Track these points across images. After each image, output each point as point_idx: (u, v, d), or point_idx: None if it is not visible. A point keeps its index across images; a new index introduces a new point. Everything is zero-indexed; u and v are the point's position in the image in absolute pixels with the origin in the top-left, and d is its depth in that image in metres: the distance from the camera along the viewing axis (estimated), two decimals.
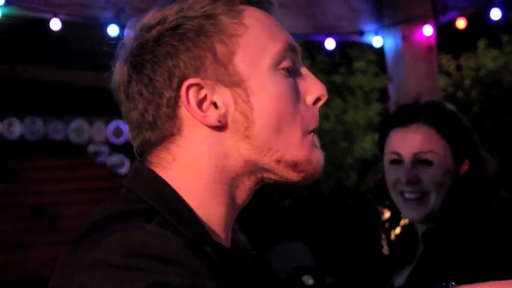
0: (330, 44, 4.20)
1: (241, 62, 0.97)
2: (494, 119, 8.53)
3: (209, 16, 0.97)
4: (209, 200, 0.98)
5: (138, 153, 1.03)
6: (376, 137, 1.90)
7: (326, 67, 8.97)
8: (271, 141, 0.97)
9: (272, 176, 1.00)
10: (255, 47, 0.98)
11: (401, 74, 4.07)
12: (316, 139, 1.02)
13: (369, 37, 4.23)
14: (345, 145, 8.86)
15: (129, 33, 1.02)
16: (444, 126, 1.76)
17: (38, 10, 3.59)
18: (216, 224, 0.99)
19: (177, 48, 0.97)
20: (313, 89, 1.02)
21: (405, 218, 1.86)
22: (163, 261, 0.82)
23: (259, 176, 1.00)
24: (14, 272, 7.35)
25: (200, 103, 0.96)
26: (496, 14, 4.01)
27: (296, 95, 0.99)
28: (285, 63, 0.99)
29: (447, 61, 9.01)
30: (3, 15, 3.47)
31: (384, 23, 4.16)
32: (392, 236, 1.91)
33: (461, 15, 4.15)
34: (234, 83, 0.97)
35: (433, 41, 4.06)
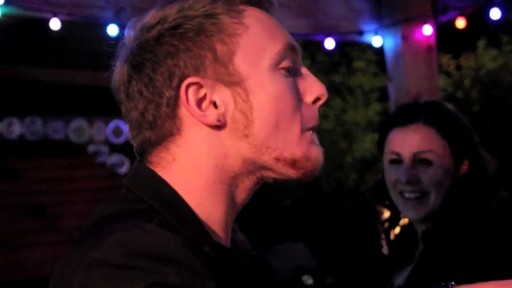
0: (329, 43, 4.20)
1: (241, 62, 0.97)
2: (494, 119, 8.53)
3: (209, 16, 0.97)
4: (209, 200, 0.98)
5: (138, 153, 1.03)
6: (375, 136, 1.90)
7: (326, 67, 8.97)
8: (270, 140, 0.97)
9: (271, 175, 1.00)
10: (255, 46, 0.98)
11: (401, 73, 4.08)
12: (315, 136, 1.02)
13: (368, 37, 4.23)
14: (345, 145, 8.87)
15: (129, 33, 1.02)
16: (444, 126, 1.76)
17: (37, 10, 3.59)
18: (216, 224, 0.99)
19: (177, 47, 0.97)
20: (313, 88, 1.02)
21: (405, 217, 1.86)
22: (163, 261, 0.82)
23: (258, 175, 1.00)
24: (14, 272, 7.35)
25: (199, 102, 0.97)
26: (495, 13, 4.01)
27: (296, 95, 1.00)
28: (285, 63, 0.99)
29: (447, 61, 9.02)
30: (2, 15, 3.47)
31: (384, 22, 4.16)
32: (392, 236, 1.91)
33: (461, 15, 4.16)
34: (234, 82, 0.97)
35: (432, 40, 4.06)
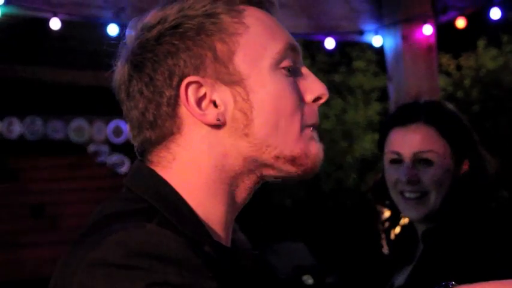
0: (329, 43, 4.20)
1: (241, 61, 0.97)
2: (494, 118, 8.54)
3: (210, 15, 0.97)
4: (209, 199, 0.98)
5: (139, 152, 1.03)
6: (376, 136, 1.90)
7: (326, 67, 8.98)
8: (270, 138, 0.97)
9: (272, 173, 1.00)
10: (256, 46, 0.98)
11: (401, 73, 4.07)
12: (315, 134, 1.02)
13: (368, 37, 4.23)
14: (345, 145, 8.87)
15: (130, 32, 1.02)
16: (444, 126, 1.76)
17: (37, 9, 3.59)
18: (216, 223, 0.99)
19: (178, 47, 0.97)
20: (313, 88, 1.02)
21: (405, 217, 1.86)
22: (163, 261, 0.82)
23: (259, 174, 1.00)
24: (14, 272, 7.35)
25: (199, 101, 0.97)
26: (495, 13, 4.01)
27: (296, 94, 1.00)
28: (286, 63, 0.99)
29: (447, 61, 9.02)
30: (3, 15, 3.47)
31: (384, 22, 4.15)
32: (392, 236, 1.91)
33: (461, 14, 4.15)
34: (234, 81, 0.97)
35: (433, 40, 4.06)
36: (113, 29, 3.66)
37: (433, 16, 4.04)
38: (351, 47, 8.84)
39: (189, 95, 0.96)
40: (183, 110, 0.97)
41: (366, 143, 8.68)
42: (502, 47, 8.98)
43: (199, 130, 0.98)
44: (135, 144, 1.02)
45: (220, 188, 0.99)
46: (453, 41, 6.46)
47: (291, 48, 1.01)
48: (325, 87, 1.02)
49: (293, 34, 1.04)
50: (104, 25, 3.66)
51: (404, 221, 1.88)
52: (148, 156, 1.01)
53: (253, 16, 1.00)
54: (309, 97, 1.01)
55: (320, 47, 4.83)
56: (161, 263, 0.82)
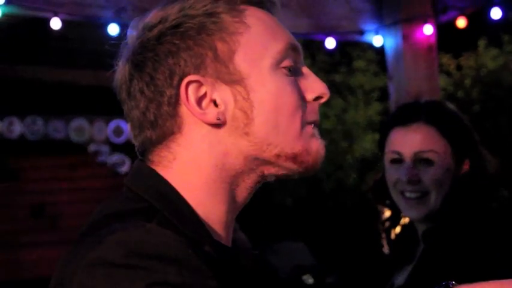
0: (330, 43, 4.19)
1: (241, 61, 0.97)
2: (495, 118, 8.53)
3: (210, 14, 0.98)
4: (209, 199, 0.98)
5: (140, 152, 1.03)
6: (376, 136, 1.90)
7: (326, 66, 8.97)
8: (270, 137, 0.98)
9: (273, 171, 1.00)
10: (256, 45, 0.98)
11: (402, 73, 4.07)
12: (315, 131, 1.02)
13: (369, 36, 4.23)
14: (345, 144, 8.87)
15: (131, 32, 1.02)
16: (445, 126, 1.76)
17: (38, 9, 3.59)
18: (216, 223, 0.99)
19: (178, 46, 0.97)
20: (314, 87, 1.02)
21: (405, 217, 1.86)
22: (163, 260, 0.82)
23: (259, 172, 1.00)
24: (14, 272, 7.35)
25: (200, 100, 0.97)
26: (496, 13, 4.01)
27: (297, 93, 1.00)
28: (286, 62, 0.99)
29: (447, 60, 9.02)
30: (3, 15, 3.47)
31: (384, 22, 4.15)
32: (393, 236, 1.91)
33: (462, 14, 4.15)
34: (234, 81, 0.97)
35: (433, 40, 4.05)
36: (113, 29, 3.66)
37: (433, 16, 4.04)
38: (352, 47, 8.84)
39: (189, 94, 0.96)
40: (183, 110, 0.97)
41: (366, 143, 8.67)
42: (503, 47, 8.97)
43: (200, 129, 0.98)
44: (136, 143, 1.03)
45: (220, 187, 0.99)
46: (453, 41, 6.46)
47: (291, 48, 1.01)
48: (326, 86, 1.02)
49: (293, 34, 1.04)
50: (105, 25, 3.66)
51: (405, 220, 1.88)
52: (149, 155, 1.01)
53: (254, 16, 1.00)
54: (309, 96, 1.01)
55: (320, 46, 4.83)
56: (161, 263, 0.82)
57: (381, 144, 1.86)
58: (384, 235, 1.93)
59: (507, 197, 1.81)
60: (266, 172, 1.00)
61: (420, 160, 1.75)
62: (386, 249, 1.93)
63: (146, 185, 0.97)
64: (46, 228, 8.20)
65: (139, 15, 1.03)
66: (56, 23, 3.58)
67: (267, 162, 0.99)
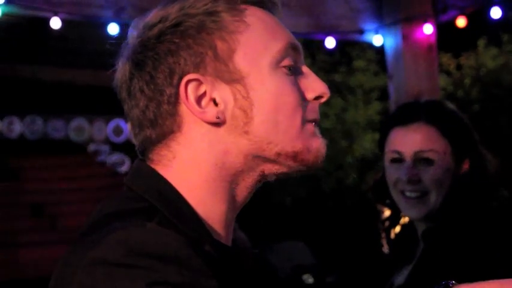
0: (330, 42, 4.19)
1: (241, 59, 0.97)
2: (494, 118, 8.54)
3: (210, 13, 0.98)
4: (209, 198, 0.98)
5: (140, 151, 1.03)
6: (376, 136, 1.90)
7: (326, 66, 8.98)
8: (270, 136, 0.98)
9: (273, 169, 1.00)
10: (256, 44, 0.98)
11: (402, 72, 4.07)
12: (316, 129, 1.02)
13: (369, 36, 4.23)
14: (345, 144, 8.88)
15: (132, 32, 1.02)
16: (445, 125, 1.76)
17: (38, 9, 3.59)
18: (216, 222, 0.99)
19: (178, 45, 0.97)
20: (314, 87, 1.02)
21: (405, 216, 1.86)
22: (163, 260, 0.82)
23: (260, 171, 1.00)
24: (13, 271, 7.35)
25: (199, 99, 0.97)
26: (496, 12, 4.01)
27: (297, 92, 1.00)
28: (286, 62, 0.99)
29: (447, 60, 9.02)
30: (3, 14, 3.47)
31: (384, 21, 4.15)
32: (392, 235, 1.91)
33: (462, 14, 4.15)
34: (234, 79, 0.97)
35: (433, 39, 4.05)
36: (113, 28, 3.66)
37: (433, 15, 4.04)
38: (351, 47, 8.85)
39: (188, 92, 0.96)
40: (183, 108, 0.97)
41: (366, 143, 8.68)
42: (503, 46, 8.98)
43: (200, 128, 0.98)
44: (136, 143, 1.03)
45: (220, 186, 0.99)
46: (453, 40, 6.46)
47: (291, 47, 1.01)
48: (326, 86, 1.02)
49: (293, 33, 1.04)
50: (105, 24, 3.66)
51: (405, 220, 1.88)
52: (149, 154, 1.01)
53: (254, 15, 1.00)
54: (310, 95, 1.01)
55: (320, 46, 4.84)
56: (161, 262, 0.82)
57: (381, 143, 1.86)
58: (383, 235, 1.93)
59: (507, 197, 1.81)
60: (266, 171, 1.00)
61: (420, 160, 1.75)
62: (386, 249, 1.93)
63: (146, 185, 0.97)
64: (46, 227, 8.20)
65: (139, 14, 1.03)
66: (55, 23, 3.58)
67: (267, 160, 0.99)
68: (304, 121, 1.00)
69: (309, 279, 6.71)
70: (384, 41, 4.18)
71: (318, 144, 1.01)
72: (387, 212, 1.91)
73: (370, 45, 4.68)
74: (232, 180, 0.99)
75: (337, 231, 8.31)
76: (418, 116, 1.77)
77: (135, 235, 0.85)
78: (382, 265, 1.91)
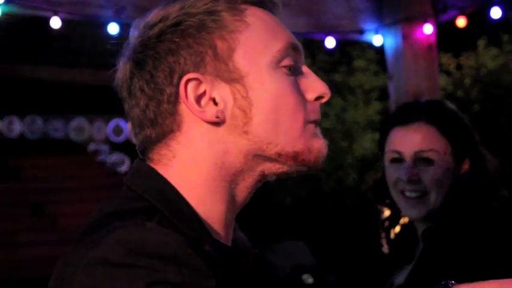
0: (330, 42, 4.19)
1: (241, 59, 0.97)
2: (494, 118, 8.54)
3: (211, 12, 0.98)
4: (209, 197, 0.98)
5: (140, 150, 1.03)
6: (376, 136, 1.90)
7: (326, 66, 8.98)
8: (271, 136, 0.98)
9: (273, 169, 1.00)
10: (256, 44, 0.98)
11: (402, 72, 4.07)
12: (317, 129, 1.02)
13: (369, 36, 4.22)
14: (345, 144, 8.87)
15: (134, 32, 1.03)
16: (445, 125, 1.77)
17: (38, 8, 3.59)
18: (216, 222, 0.99)
19: (178, 44, 0.97)
20: (315, 87, 1.02)
21: (405, 216, 1.86)
22: (163, 260, 0.82)
23: (260, 171, 1.00)
24: (13, 271, 7.35)
25: (199, 98, 0.97)
26: (496, 12, 4.00)
27: (297, 92, 1.00)
28: (286, 61, 0.99)
29: (447, 60, 9.02)
30: (3, 14, 3.47)
31: (384, 21, 4.15)
32: (392, 235, 1.91)
33: (462, 14, 4.15)
34: (234, 79, 0.97)
35: (433, 39, 4.05)
36: (113, 28, 3.66)
37: (433, 15, 4.04)
38: (351, 46, 8.85)
39: (188, 92, 0.96)
40: (183, 108, 0.97)
41: (366, 142, 8.68)
42: (503, 46, 8.98)
43: (199, 128, 0.98)
44: (137, 142, 1.03)
45: (220, 185, 0.99)
46: (453, 40, 6.46)
47: (292, 47, 1.01)
48: (326, 86, 1.02)
49: (293, 33, 1.04)
50: (105, 24, 3.66)
51: (404, 220, 1.88)
52: (149, 154, 1.01)
53: (254, 15, 1.00)
54: (310, 96, 1.01)
55: (320, 46, 4.83)
56: (161, 262, 0.82)
57: (381, 143, 1.86)
58: (383, 234, 1.93)
59: (507, 197, 1.81)
60: (266, 171, 1.00)
61: (420, 159, 1.75)
62: (386, 249, 1.93)
63: (146, 184, 0.97)
64: (46, 227, 8.20)
65: (138, 14, 1.03)
66: (55, 22, 3.58)
67: (267, 160, 0.99)
68: (306, 122, 1.00)
69: (308, 279, 6.71)
70: (384, 41, 4.18)
71: (319, 145, 1.01)
72: (387, 212, 1.91)
73: (370, 45, 4.68)
74: (232, 180, 0.99)
75: (337, 231, 8.31)
76: (418, 115, 1.77)
77: (135, 235, 0.85)
78: (382, 265, 1.91)
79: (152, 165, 1.00)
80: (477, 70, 9.00)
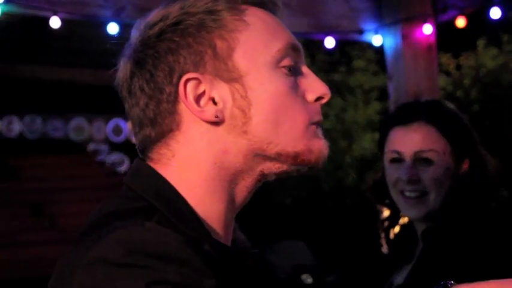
0: (329, 42, 4.19)
1: (240, 58, 0.97)
2: (494, 118, 8.54)
3: (211, 12, 0.98)
4: (208, 197, 0.98)
5: (140, 150, 1.03)
6: (375, 136, 1.90)
7: (326, 66, 8.98)
8: (271, 136, 0.98)
9: (273, 169, 1.00)
10: (256, 43, 0.98)
11: (401, 72, 4.07)
12: (319, 130, 1.02)
13: (368, 36, 4.23)
14: (345, 144, 8.88)
15: (135, 32, 1.03)
16: (445, 125, 1.77)
17: (37, 8, 3.59)
18: (215, 222, 0.99)
19: (178, 43, 0.97)
20: (315, 87, 1.02)
21: (405, 216, 1.86)
22: (163, 259, 0.82)
23: (259, 171, 1.00)
24: (13, 271, 7.35)
25: (198, 98, 0.97)
26: (495, 13, 4.01)
27: (297, 93, 1.00)
28: (286, 62, 0.99)
29: (447, 60, 9.02)
30: (2, 14, 3.47)
31: (384, 21, 4.15)
32: (392, 235, 1.91)
33: (461, 14, 4.15)
34: (233, 78, 0.97)
35: (433, 39, 4.05)
36: (113, 28, 3.66)
37: (433, 15, 4.04)
38: (351, 46, 8.85)
39: (187, 91, 0.96)
40: (182, 107, 0.98)
41: (366, 142, 8.68)
42: (502, 46, 8.98)
43: (199, 127, 0.98)
44: (136, 142, 1.03)
45: (219, 185, 0.99)
46: (453, 41, 6.46)
47: (292, 47, 1.01)
48: (326, 87, 1.02)
49: (293, 33, 1.04)
50: (104, 24, 3.66)
51: (404, 220, 1.88)
52: (149, 153, 1.01)
53: (254, 15, 1.00)
54: (310, 96, 1.01)
55: (320, 46, 4.83)
56: (161, 262, 0.82)
57: (381, 143, 1.86)
58: (383, 234, 1.93)
59: (507, 197, 1.81)
60: (266, 171, 1.00)
61: (420, 159, 1.75)
62: (385, 249, 1.93)
63: (145, 184, 0.97)
64: (45, 227, 8.20)
65: (138, 14, 1.04)
66: (55, 22, 3.58)
67: (267, 160, 0.99)
68: (308, 123, 0.99)
69: (308, 278, 6.71)
70: (383, 41, 4.18)
71: (320, 146, 1.01)
72: (386, 212, 1.92)
73: (370, 45, 4.68)
74: (232, 179, 0.99)
75: (337, 231, 8.32)
76: (418, 115, 1.77)
77: (135, 234, 0.85)
78: (382, 265, 1.91)
79: (152, 164, 1.00)
80: (477, 70, 9.00)
